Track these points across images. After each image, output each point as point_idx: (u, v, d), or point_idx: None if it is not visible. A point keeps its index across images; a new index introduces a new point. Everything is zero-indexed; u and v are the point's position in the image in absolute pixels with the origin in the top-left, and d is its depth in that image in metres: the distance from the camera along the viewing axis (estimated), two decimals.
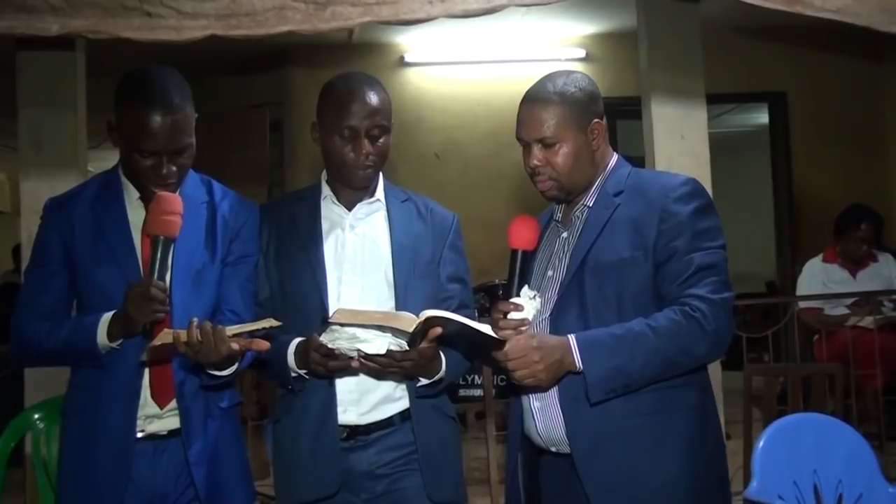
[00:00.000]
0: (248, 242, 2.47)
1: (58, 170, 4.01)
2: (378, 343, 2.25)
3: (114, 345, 2.27)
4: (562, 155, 2.28)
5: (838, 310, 5.68)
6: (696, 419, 2.23)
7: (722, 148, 5.56)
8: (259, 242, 2.51)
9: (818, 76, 7.44)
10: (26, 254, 3.92)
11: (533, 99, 2.32)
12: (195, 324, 2.14)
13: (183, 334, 2.14)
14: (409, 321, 2.24)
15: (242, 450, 2.53)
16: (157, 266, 2.20)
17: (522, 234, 2.29)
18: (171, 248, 2.24)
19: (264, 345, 2.20)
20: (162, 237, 2.21)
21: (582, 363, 2.13)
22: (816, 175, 7.48)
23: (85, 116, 4.21)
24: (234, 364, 2.29)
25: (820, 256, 5.95)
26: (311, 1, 2.82)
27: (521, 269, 2.27)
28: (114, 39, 2.83)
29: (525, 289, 2.25)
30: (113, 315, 2.25)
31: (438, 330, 2.24)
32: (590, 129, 2.31)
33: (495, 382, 4.78)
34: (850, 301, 5.63)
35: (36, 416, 2.94)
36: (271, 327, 2.20)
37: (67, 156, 4.09)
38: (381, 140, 2.48)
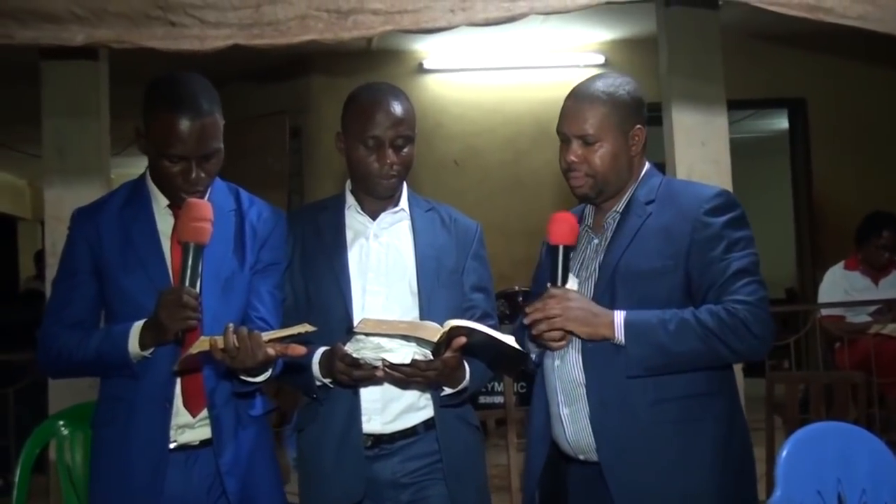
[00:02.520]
0: (276, 250, 2.46)
1: (81, 177, 4.04)
2: (403, 352, 2.25)
3: (145, 353, 2.25)
4: (600, 154, 2.29)
5: (860, 317, 5.65)
6: (724, 428, 2.23)
7: (741, 154, 5.54)
8: (287, 250, 2.51)
9: (838, 82, 7.40)
10: (49, 260, 3.97)
11: (581, 95, 2.32)
12: (231, 329, 2.13)
13: (220, 340, 2.13)
14: (434, 331, 2.24)
15: (274, 458, 2.50)
16: (188, 273, 2.18)
17: (563, 230, 2.28)
18: (202, 255, 2.22)
19: (300, 349, 2.18)
20: (193, 244, 2.20)
21: (624, 335, 2.15)
22: (836, 181, 7.44)
23: (108, 124, 4.24)
24: (267, 370, 2.27)
25: (841, 264, 5.91)
26: (333, 10, 2.84)
27: (564, 265, 2.26)
28: (137, 49, 2.85)
29: (570, 276, 2.27)
30: (144, 323, 2.24)
31: (463, 340, 2.25)
32: (632, 134, 2.32)
33: (516, 390, 4.78)
34: (872, 309, 5.59)
35: (60, 423, 2.95)
36: (306, 332, 2.20)
37: (91, 163, 4.12)
38: (405, 150, 2.49)
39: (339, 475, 2.41)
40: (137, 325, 2.24)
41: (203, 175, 2.29)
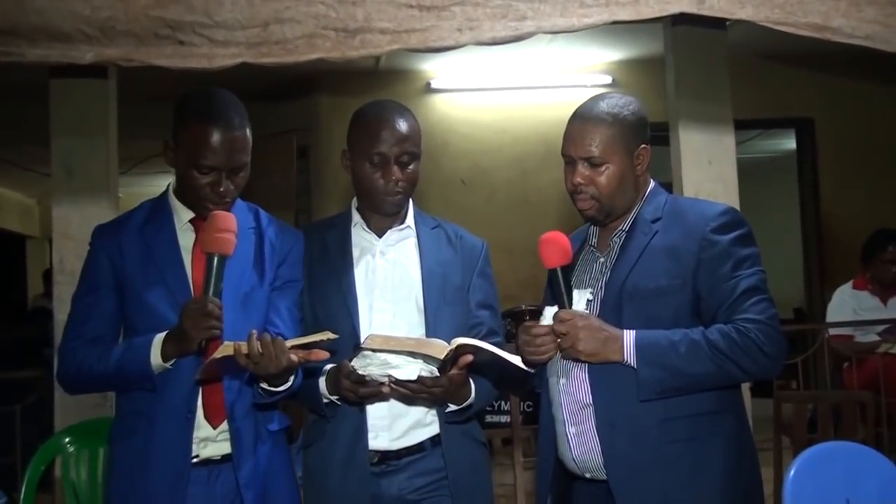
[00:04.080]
0: (294, 267, 2.49)
1: (90, 196, 4.05)
2: (409, 369, 2.26)
3: (167, 365, 2.26)
4: (606, 176, 2.28)
5: (869, 337, 5.63)
6: (733, 446, 2.22)
7: (749, 173, 5.54)
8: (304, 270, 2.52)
9: (846, 102, 7.40)
10: (58, 278, 3.98)
11: (585, 116, 2.32)
12: (255, 335, 2.16)
13: (244, 346, 2.15)
14: (441, 348, 2.25)
15: (292, 473, 2.52)
16: (212, 283, 2.21)
17: (553, 252, 2.27)
18: (225, 267, 2.24)
19: (323, 355, 2.21)
20: (217, 255, 2.23)
21: (636, 359, 2.14)
22: (844, 201, 7.43)
23: (116, 143, 4.26)
24: (289, 380, 2.29)
25: (850, 283, 5.89)
26: (341, 29, 2.85)
27: (566, 285, 2.25)
28: (146, 67, 2.87)
29: (576, 291, 2.26)
30: (167, 334, 2.25)
31: (469, 357, 2.26)
32: (637, 154, 2.32)
33: (522, 409, 4.76)
34: (881, 328, 5.57)
35: (66, 440, 2.96)
36: (329, 339, 2.22)
37: (99, 182, 4.13)
38: (410, 167, 2.50)
39: (344, 492, 2.41)
40: (160, 337, 2.26)
41: (231, 187, 2.34)
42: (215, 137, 2.27)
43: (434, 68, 7.19)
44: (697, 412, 2.18)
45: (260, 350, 2.14)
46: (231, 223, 2.26)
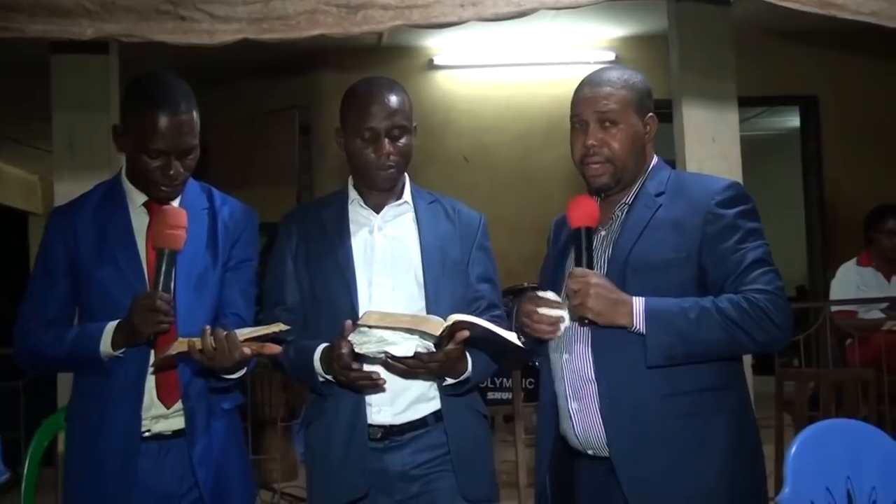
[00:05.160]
0: (248, 247, 2.53)
1: (91, 172, 4.04)
2: (406, 345, 2.27)
3: (117, 353, 2.31)
4: (620, 136, 2.28)
5: (872, 313, 5.62)
6: (735, 423, 2.23)
7: (752, 151, 5.52)
8: (284, 244, 2.55)
9: (850, 79, 7.37)
10: None
11: (597, 80, 2.33)
12: (209, 332, 2.20)
13: (198, 342, 2.19)
14: (437, 325, 2.27)
15: (243, 450, 2.59)
16: (161, 278, 2.25)
17: (582, 213, 2.23)
18: (175, 261, 2.28)
19: (275, 348, 2.26)
20: (167, 250, 2.26)
21: (645, 324, 2.14)
22: (848, 179, 7.41)
23: (118, 119, 4.24)
24: (243, 368, 2.33)
25: (854, 260, 5.88)
26: (343, 5, 2.84)
27: (588, 248, 2.22)
28: (147, 43, 2.86)
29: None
30: (117, 325, 2.30)
31: (466, 333, 2.27)
32: (646, 120, 2.33)
33: (524, 386, 4.77)
34: (884, 305, 5.57)
35: None
36: (280, 331, 2.26)
37: (100, 158, 4.12)
38: (401, 140, 2.50)
39: (345, 470, 2.42)
40: (110, 326, 2.31)
41: (182, 170, 2.36)
42: (162, 122, 2.29)
43: (437, 45, 7.16)
44: (700, 388, 2.18)
45: (213, 346, 2.18)
46: (182, 219, 2.29)
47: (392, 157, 2.47)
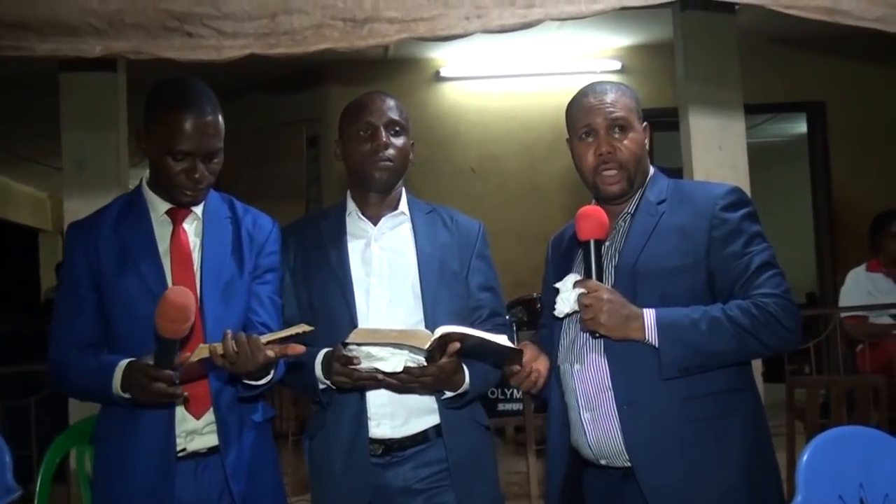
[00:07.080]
0: (272, 256, 2.51)
1: (100, 189, 4.06)
2: (394, 361, 2.27)
3: (126, 396, 2.23)
4: (631, 141, 2.30)
5: (883, 319, 5.60)
6: (752, 424, 2.24)
7: (759, 158, 5.51)
8: (282, 257, 2.53)
9: (857, 85, 7.36)
10: None
11: (599, 89, 2.34)
12: (230, 335, 2.15)
13: (219, 347, 2.14)
14: (425, 338, 2.26)
15: (277, 463, 2.53)
16: (163, 361, 2.15)
17: (590, 225, 2.24)
18: (177, 349, 2.18)
19: (299, 349, 2.19)
20: (169, 338, 2.15)
21: (658, 338, 2.14)
22: (856, 185, 7.39)
23: (126, 136, 4.27)
24: (269, 373, 2.30)
25: (864, 266, 5.86)
26: (349, 19, 2.86)
27: (598, 260, 2.22)
28: (154, 60, 2.87)
29: (571, 275, 2.25)
30: (126, 368, 2.21)
31: (457, 345, 2.26)
32: (644, 128, 2.35)
33: None
34: (895, 311, 5.54)
35: (80, 432, 2.97)
36: (304, 333, 2.21)
37: (109, 175, 4.15)
38: (399, 138, 2.52)
39: (346, 482, 2.42)
40: (121, 366, 2.23)
41: (206, 174, 2.34)
42: (188, 123, 2.27)
43: (443, 57, 7.18)
44: (718, 390, 2.19)
45: (235, 349, 2.13)
46: (188, 313, 2.13)
47: (388, 151, 2.49)
